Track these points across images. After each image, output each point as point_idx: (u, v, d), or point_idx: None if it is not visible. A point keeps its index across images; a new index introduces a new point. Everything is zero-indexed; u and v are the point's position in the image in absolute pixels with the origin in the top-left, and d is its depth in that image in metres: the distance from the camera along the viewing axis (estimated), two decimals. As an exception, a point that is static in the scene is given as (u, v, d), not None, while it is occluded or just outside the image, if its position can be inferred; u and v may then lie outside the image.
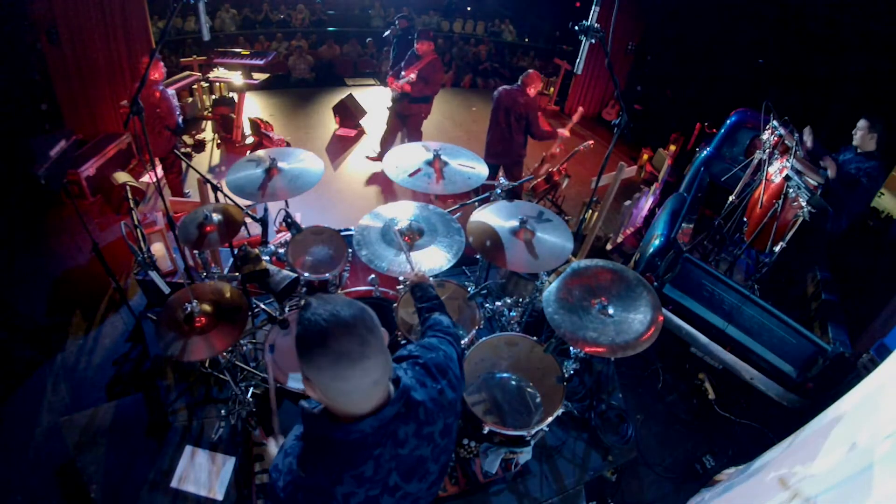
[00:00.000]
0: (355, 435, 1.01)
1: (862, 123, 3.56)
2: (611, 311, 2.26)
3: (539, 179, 4.96)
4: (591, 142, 4.91)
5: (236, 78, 6.17)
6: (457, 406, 1.26)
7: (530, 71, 4.57)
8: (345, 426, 1.01)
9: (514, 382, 2.43)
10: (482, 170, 2.86)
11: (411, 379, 1.16)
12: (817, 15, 5.69)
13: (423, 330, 1.52)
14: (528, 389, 2.40)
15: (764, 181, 3.49)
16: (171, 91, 4.50)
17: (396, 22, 6.29)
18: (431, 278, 1.89)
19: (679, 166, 5.91)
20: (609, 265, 2.47)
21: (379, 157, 5.87)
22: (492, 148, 4.79)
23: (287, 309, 2.81)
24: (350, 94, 7.06)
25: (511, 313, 3.08)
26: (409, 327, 2.59)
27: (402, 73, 5.22)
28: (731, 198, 3.96)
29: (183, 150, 5.87)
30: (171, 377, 2.94)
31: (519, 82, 4.54)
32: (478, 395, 2.34)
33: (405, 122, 5.57)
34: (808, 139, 3.74)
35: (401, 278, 2.56)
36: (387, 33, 6.49)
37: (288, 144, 6.03)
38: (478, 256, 3.19)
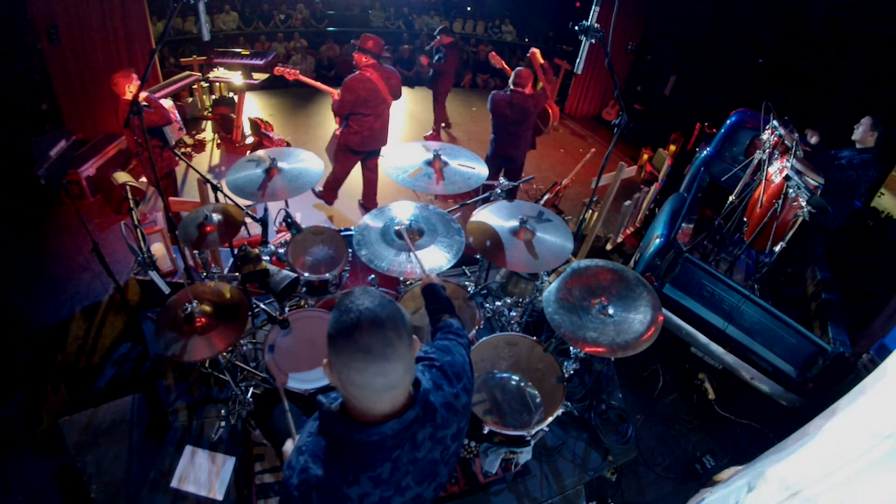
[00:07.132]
0: (375, 437, 1.00)
1: (866, 120, 3.59)
2: (611, 311, 2.26)
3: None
4: (594, 149, 5.35)
5: (236, 78, 6.15)
6: (469, 410, 1.26)
7: (520, 70, 4.29)
8: (366, 428, 1.00)
9: (514, 382, 2.43)
10: (482, 170, 2.86)
11: (429, 382, 1.15)
12: (817, 15, 5.69)
13: (433, 331, 1.51)
14: (528, 389, 2.40)
15: (764, 181, 3.49)
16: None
17: (437, 35, 6.24)
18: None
19: (679, 166, 5.91)
20: (609, 265, 2.47)
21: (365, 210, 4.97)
22: (504, 152, 4.59)
23: (287, 309, 2.81)
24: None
25: (511, 313, 3.08)
26: (409, 327, 2.58)
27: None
28: (731, 198, 3.96)
29: (183, 150, 5.87)
30: (171, 377, 2.94)
31: (514, 85, 4.26)
32: (478, 395, 2.34)
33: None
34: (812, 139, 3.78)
35: (401, 278, 2.55)
36: (428, 47, 6.50)
37: (288, 144, 6.03)
38: (478, 256, 3.19)
